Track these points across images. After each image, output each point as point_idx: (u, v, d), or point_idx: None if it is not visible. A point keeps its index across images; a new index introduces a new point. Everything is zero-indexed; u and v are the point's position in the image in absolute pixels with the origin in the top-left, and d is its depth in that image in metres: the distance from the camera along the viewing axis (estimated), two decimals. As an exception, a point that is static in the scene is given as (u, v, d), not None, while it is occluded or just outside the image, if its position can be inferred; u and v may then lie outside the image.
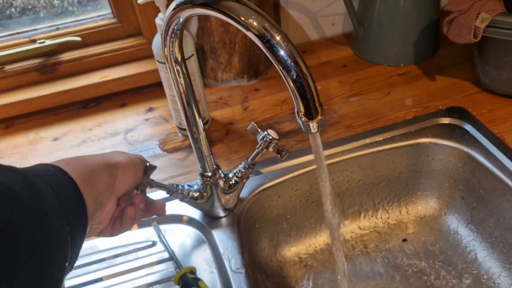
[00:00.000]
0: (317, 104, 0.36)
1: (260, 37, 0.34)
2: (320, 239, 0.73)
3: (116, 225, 0.48)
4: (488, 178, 0.64)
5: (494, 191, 0.64)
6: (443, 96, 0.77)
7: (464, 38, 0.70)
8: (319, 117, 0.36)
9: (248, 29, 0.34)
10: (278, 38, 0.34)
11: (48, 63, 0.83)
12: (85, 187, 0.37)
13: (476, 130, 0.68)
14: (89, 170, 0.40)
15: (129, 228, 0.48)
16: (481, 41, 0.69)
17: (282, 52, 0.34)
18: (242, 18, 0.34)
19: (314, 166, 0.67)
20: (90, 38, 0.85)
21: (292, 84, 0.34)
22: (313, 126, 0.37)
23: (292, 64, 0.34)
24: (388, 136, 0.70)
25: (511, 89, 0.73)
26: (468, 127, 0.69)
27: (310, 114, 0.36)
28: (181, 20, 0.43)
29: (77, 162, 0.39)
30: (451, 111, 0.73)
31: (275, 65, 0.35)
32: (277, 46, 0.34)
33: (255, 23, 0.34)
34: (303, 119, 0.36)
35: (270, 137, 0.57)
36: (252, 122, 0.59)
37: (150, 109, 0.83)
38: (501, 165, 0.63)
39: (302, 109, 0.35)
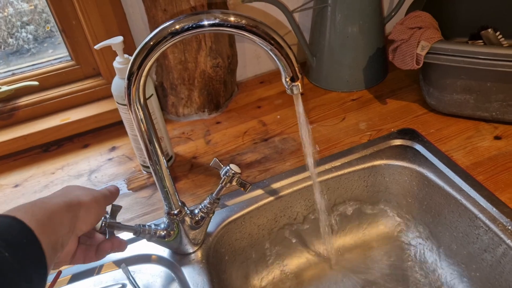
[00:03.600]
0: (298, 72, 0.47)
1: (253, 32, 0.44)
2: (289, 265, 0.74)
3: (89, 255, 0.49)
4: (440, 195, 0.68)
5: (446, 207, 0.68)
6: (394, 118, 0.82)
7: (408, 64, 0.75)
8: (299, 82, 0.48)
9: (243, 29, 0.43)
10: (267, 29, 0.44)
11: (5, 109, 0.82)
12: (44, 234, 0.37)
13: (426, 150, 0.73)
14: (49, 215, 0.39)
15: (103, 258, 0.50)
16: (424, 66, 0.74)
17: (274, 36, 0.45)
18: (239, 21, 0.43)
19: (272, 198, 0.69)
20: (48, 81, 0.85)
21: (283, 58, 0.46)
22: (296, 88, 0.48)
23: (282, 44, 0.45)
24: (346, 161, 0.73)
25: (454, 109, 0.78)
26: (419, 147, 0.74)
27: (294, 78, 0.47)
28: (149, 63, 0.46)
29: (36, 208, 0.39)
30: (403, 132, 0.77)
31: (268, 49, 0.45)
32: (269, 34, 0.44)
33: (243, 21, 0.43)
34: (289, 83, 0.48)
35: (233, 172, 0.59)
36: (214, 158, 0.61)
37: (113, 148, 0.83)
38: (450, 182, 0.67)
39: (289, 74, 0.47)
